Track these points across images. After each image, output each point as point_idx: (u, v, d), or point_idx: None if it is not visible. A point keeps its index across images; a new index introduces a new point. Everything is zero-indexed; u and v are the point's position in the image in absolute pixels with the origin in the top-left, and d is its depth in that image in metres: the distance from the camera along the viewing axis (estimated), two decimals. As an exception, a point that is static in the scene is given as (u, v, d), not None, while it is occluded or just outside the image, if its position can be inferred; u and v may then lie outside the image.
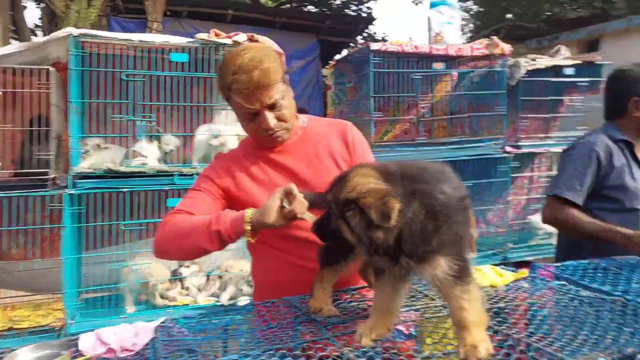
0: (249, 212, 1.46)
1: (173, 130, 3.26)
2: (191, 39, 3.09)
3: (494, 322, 1.28)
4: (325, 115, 5.02)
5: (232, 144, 3.03)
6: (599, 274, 1.73)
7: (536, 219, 4.15)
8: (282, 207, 1.42)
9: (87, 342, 1.24)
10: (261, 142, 1.71)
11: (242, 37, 3.10)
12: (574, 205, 2.32)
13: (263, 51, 1.61)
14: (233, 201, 1.69)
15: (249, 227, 1.45)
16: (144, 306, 3.08)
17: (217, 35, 3.11)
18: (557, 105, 4.48)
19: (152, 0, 6.68)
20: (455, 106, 4.27)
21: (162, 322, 1.37)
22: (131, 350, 1.22)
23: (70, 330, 2.67)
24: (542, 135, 4.42)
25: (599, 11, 10.12)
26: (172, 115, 3.28)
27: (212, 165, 1.79)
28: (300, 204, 1.41)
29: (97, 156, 2.91)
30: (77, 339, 1.29)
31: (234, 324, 1.40)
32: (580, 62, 4.13)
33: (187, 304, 3.10)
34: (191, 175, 2.93)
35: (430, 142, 4.03)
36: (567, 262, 1.89)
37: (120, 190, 2.83)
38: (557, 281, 1.63)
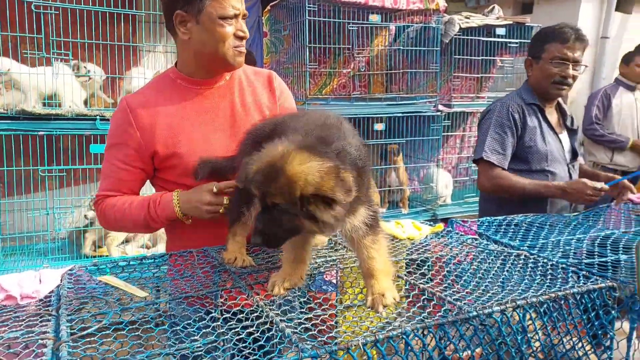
0: (176, 206, 1.51)
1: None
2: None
3: (405, 273, 1.34)
4: (262, 64, 4.87)
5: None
6: (511, 230, 1.84)
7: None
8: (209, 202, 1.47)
9: (-15, 291, 1.17)
10: (225, 55, 1.56)
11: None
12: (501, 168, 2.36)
13: None
14: (155, 156, 1.59)
15: (181, 215, 1.52)
16: (68, 255, 2.95)
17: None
18: (489, 65, 4.59)
19: None
20: (392, 61, 4.27)
21: (70, 270, 1.31)
22: (33, 297, 1.16)
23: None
24: (474, 95, 4.55)
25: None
26: (92, 55, 3.05)
27: (120, 122, 1.59)
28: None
29: (11, 95, 2.67)
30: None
31: (148, 274, 1.36)
32: (511, 22, 4.21)
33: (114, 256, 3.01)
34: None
35: (365, 97, 4.02)
36: (484, 218, 1.99)
37: (36, 133, 2.63)
38: (470, 235, 1.72)
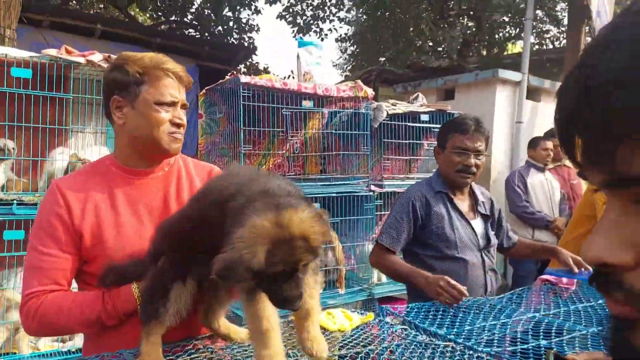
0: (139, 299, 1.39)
1: (20, 154, 2.91)
2: (36, 54, 2.81)
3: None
4: (197, 145, 4.87)
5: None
6: (439, 316, 1.86)
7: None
8: None
9: None
10: (160, 142, 1.53)
11: (97, 56, 2.89)
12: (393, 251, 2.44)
13: None
14: (82, 244, 1.49)
15: None
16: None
17: (68, 52, 2.86)
18: (417, 148, 4.86)
19: (2, 4, 5.99)
20: (326, 143, 4.43)
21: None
22: None
23: None
24: (404, 175, 4.76)
25: (455, 63, 11.36)
26: (15, 137, 2.93)
27: (51, 206, 1.49)
28: None
29: None
30: None
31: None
32: (433, 109, 4.53)
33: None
34: (34, 204, 2.62)
35: (302, 177, 4.09)
36: (413, 304, 2.01)
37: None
38: (399, 325, 1.71)
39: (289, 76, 11.88)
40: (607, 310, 0.50)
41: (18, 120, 2.83)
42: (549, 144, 4.89)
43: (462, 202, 2.57)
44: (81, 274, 1.55)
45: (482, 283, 2.48)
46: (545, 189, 4.95)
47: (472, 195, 2.64)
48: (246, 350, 1.44)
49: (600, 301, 2.05)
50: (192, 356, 1.38)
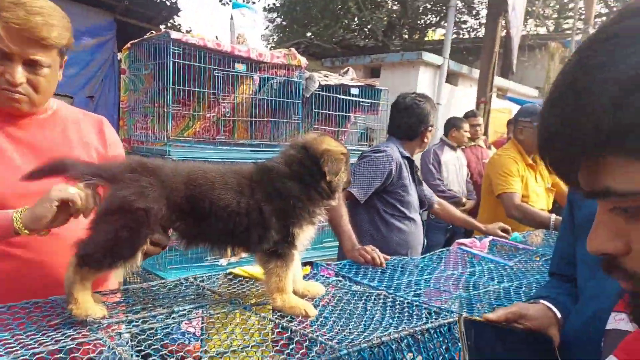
0: (17, 220, 1.25)
1: None
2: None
3: (277, 316, 1.34)
4: (119, 102, 4.61)
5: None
6: (369, 272, 1.97)
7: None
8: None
9: None
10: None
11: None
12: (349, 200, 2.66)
13: (60, 12, 1.43)
14: None
15: (26, 232, 1.26)
16: None
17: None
18: (345, 120, 4.97)
19: None
20: (256, 109, 4.39)
21: None
22: None
23: None
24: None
25: (380, 44, 11.65)
26: None
27: None
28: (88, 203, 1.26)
29: None
30: None
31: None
32: (362, 84, 4.65)
33: None
34: None
35: (230, 142, 4.03)
36: (345, 261, 2.11)
37: None
38: (334, 277, 1.80)
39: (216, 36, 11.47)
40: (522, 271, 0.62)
41: None
42: (467, 125, 5.23)
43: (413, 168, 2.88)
44: None
45: (421, 241, 2.87)
46: (457, 167, 5.31)
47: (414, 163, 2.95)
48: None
49: (510, 262, 2.28)
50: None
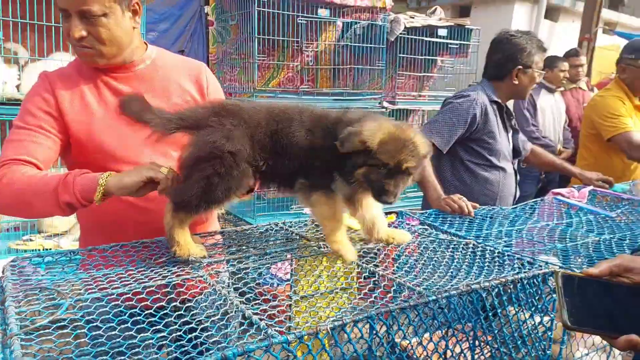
0: (102, 181, 1.28)
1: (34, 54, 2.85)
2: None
3: (364, 261, 1.37)
4: (207, 55, 4.76)
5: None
6: (457, 221, 1.92)
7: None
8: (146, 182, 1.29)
9: None
10: (77, 54, 1.52)
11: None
12: (438, 150, 2.51)
13: None
14: (70, 133, 1.49)
15: (99, 196, 1.28)
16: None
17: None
18: (431, 65, 4.76)
19: None
20: (339, 57, 4.33)
21: (12, 261, 1.23)
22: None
23: None
24: (417, 93, 4.69)
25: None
26: (24, 36, 2.85)
27: (37, 90, 1.51)
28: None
29: None
30: None
31: (97, 263, 1.29)
32: (452, 24, 4.39)
33: (50, 249, 2.82)
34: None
35: (313, 91, 4.04)
36: (431, 210, 2.07)
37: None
38: (420, 226, 1.78)
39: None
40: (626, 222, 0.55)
41: (25, 19, 2.74)
42: (566, 65, 4.78)
43: (504, 115, 2.67)
44: (74, 165, 1.52)
45: (513, 192, 2.67)
46: (554, 112, 4.91)
47: (507, 108, 2.72)
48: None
49: (612, 214, 2.12)
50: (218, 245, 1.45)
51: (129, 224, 1.52)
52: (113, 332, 0.96)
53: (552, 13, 6.58)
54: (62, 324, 0.93)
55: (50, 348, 0.86)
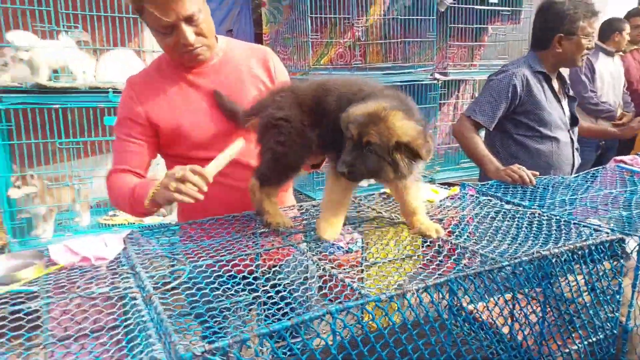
0: (150, 196, 1.47)
1: (102, 44, 3.05)
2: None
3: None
4: (260, 35, 4.88)
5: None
6: (518, 192, 1.98)
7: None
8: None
9: (58, 252, 1.27)
10: (181, 61, 1.65)
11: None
12: (480, 127, 2.55)
13: None
14: (159, 131, 1.66)
15: (147, 205, 1.47)
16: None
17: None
18: (481, 33, 4.68)
19: None
20: (388, 30, 4.34)
21: (130, 234, 1.42)
22: (104, 259, 1.26)
23: (14, 248, 2.59)
24: (467, 63, 4.65)
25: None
26: (98, 28, 3.06)
27: (125, 99, 1.67)
28: (200, 179, 1.40)
29: (20, 69, 2.68)
30: (45, 250, 1.31)
31: (198, 235, 1.47)
32: (503, -10, 4.29)
33: (133, 223, 3.08)
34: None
35: (364, 66, 4.10)
36: (492, 181, 2.14)
37: (50, 106, 2.66)
38: (484, 197, 1.86)
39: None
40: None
41: (97, 10, 2.93)
42: (628, 27, 4.59)
43: (555, 83, 2.64)
44: (167, 157, 1.76)
45: (570, 161, 2.65)
46: (614, 76, 4.74)
47: (560, 77, 2.69)
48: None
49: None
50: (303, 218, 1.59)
51: (224, 202, 1.67)
52: (216, 293, 1.13)
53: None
54: (187, 285, 1.10)
55: (182, 305, 1.03)
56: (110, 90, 2.78)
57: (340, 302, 1.01)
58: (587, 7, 2.52)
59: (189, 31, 1.54)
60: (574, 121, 2.69)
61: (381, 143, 1.18)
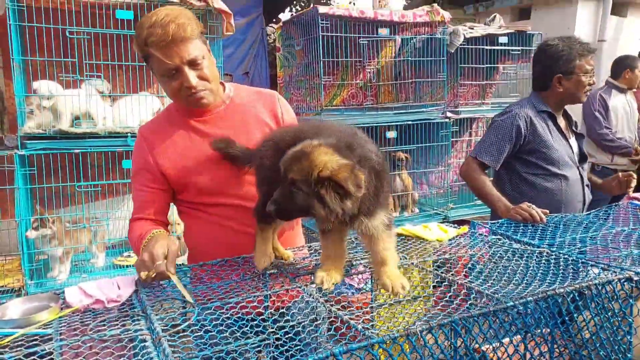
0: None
1: (122, 91, 3.20)
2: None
3: (441, 271, 1.48)
4: (275, 78, 5.03)
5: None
6: (528, 230, 1.98)
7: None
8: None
9: (73, 295, 1.31)
10: (185, 104, 1.70)
11: (194, -3, 3.04)
12: (487, 167, 2.59)
13: (178, 9, 1.63)
14: (168, 178, 1.72)
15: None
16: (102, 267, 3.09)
17: (164, -6, 3.03)
18: (492, 72, 4.76)
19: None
20: (400, 71, 4.44)
21: (142, 278, 1.45)
22: (117, 301, 1.30)
23: (31, 290, 2.66)
24: (479, 101, 4.71)
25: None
26: (119, 75, 3.21)
27: (137, 150, 1.75)
28: (167, 266, 1.39)
29: (44, 116, 2.82)
30: (61, 292, 1.36)
31: (208, 277, 1.50)
32: (512, 31, 4.38)
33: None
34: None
35: (376, 106, 4.18)
36: (502, 220, 2.14)
37: (71, 151, 2.78)
38: (493, 236, 1.86)
39: (350, 2, 11.53)
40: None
41: (119, 59, 3.08)
42: (639, 64, 4.62)
43: (561, 121, 2.66)
44: (178, 202, 1.82)
45: (580, 198, 2.63)
46: (627, 111, 4.75)
47: (566, 114, 2.71)
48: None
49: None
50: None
51: (231, 245, 1.70)
52: (224, 335, 1.15)
53: (619, 8, 6.31)
54: (195, 327, 1.13)
55: (189, 347, 1.05)
56: (128, 134, 2.89)
57: (346, 344, 1.03)
58: (582, 46, 2.56)
59: (191, 74, 1.60)
60: (582, 158, 2.69)
61: (303, 179, 1.17)
